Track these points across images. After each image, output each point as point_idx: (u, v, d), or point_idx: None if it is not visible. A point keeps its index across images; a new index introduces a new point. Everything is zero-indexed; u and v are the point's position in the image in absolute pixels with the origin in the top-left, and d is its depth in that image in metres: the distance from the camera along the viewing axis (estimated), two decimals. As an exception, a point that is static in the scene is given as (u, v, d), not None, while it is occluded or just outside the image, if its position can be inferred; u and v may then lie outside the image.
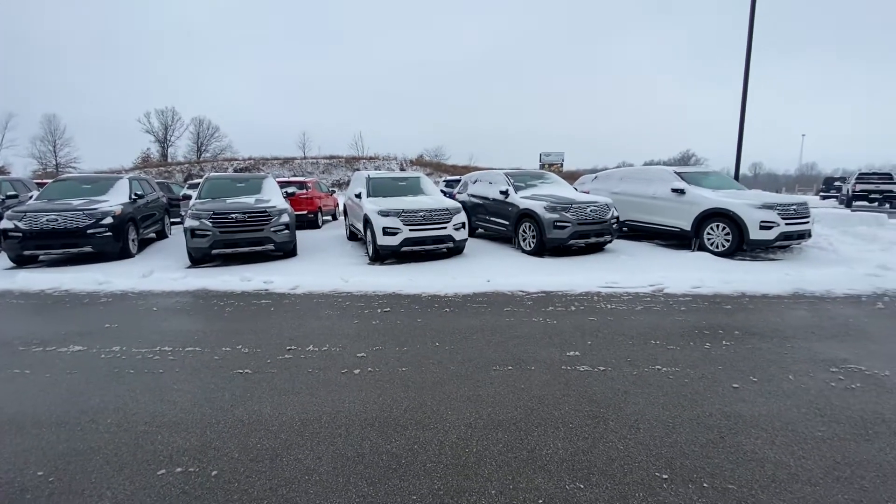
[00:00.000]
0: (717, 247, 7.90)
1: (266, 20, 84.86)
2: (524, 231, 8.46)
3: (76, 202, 8.22)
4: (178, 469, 2.21)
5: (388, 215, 7.45)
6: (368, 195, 8.44)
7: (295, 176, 33.27)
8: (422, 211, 7.59)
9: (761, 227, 7.42)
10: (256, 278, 6.28)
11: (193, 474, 2.17)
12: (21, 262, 7.90)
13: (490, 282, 6.04)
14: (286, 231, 8.00)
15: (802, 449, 2.30)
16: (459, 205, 8.25)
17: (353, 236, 10.33)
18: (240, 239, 7.64)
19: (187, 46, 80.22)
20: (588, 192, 10.67)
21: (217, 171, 32.16)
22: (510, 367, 3.35)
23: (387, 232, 7.37)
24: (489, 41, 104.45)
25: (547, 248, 8.08)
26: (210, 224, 7.45)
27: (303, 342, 3.93)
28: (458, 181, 14.59)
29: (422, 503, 1.95)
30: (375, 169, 37.17)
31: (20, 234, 7.54)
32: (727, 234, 7.78)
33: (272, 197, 8.63)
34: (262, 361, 3.53)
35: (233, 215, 7.59)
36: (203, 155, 51.34)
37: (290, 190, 11.36)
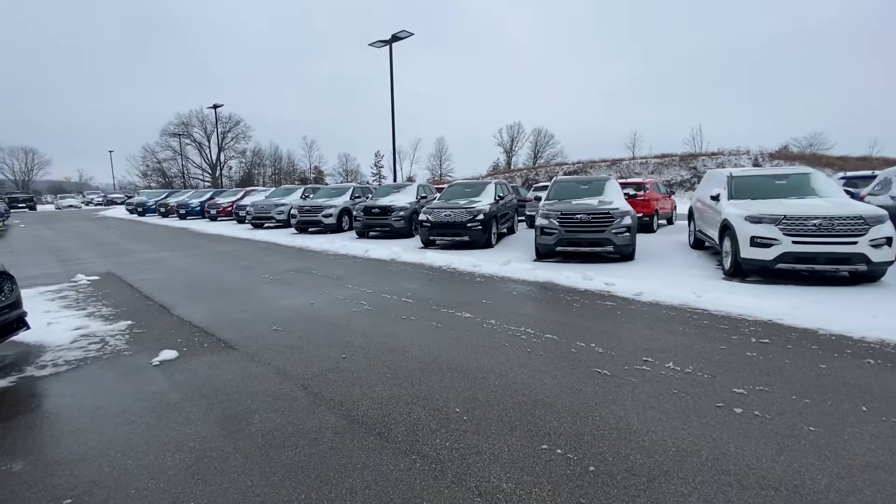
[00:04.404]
0: None
1: (589, 26, 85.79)
2: None
3: (462, 202, 10.70)
4: (559, 451, 2.36)
5: (759, 222, 6.02)
6: (730, 197, 7.11)
7: (622, 177, 32.58)
8: (816, 218, 5.73)
9: None
10: (598, 278, 6.36)
11: (573, 461, 2.27)
12: (427, 244, 10.95)
13: (953, 332, 3.91)
14: (627, 234, 7.78)
15: None
16: (884, 212, 5.77)
17: (698, 244, 9.04)
18: (582, 238, 7.98)
19: (526, 63, 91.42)
20: None
21: (553, 176, 35.39)
22: None
23: (756, 242, 5.98)
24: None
25: None
26: (557, 223, 8.10)
27: (660, 356, 3.62)
28: (869, 178, 10.43)
29: None
30: (718, 166, 31.73)
31: (429, 224, 10.45)
32: None
33: (615, 199, 8.59)
34: (618, 366, 3.46)
35: (578, 216, 8.00)
36: (538, 161, 57.80)
37: (628, 192, 11.06)
